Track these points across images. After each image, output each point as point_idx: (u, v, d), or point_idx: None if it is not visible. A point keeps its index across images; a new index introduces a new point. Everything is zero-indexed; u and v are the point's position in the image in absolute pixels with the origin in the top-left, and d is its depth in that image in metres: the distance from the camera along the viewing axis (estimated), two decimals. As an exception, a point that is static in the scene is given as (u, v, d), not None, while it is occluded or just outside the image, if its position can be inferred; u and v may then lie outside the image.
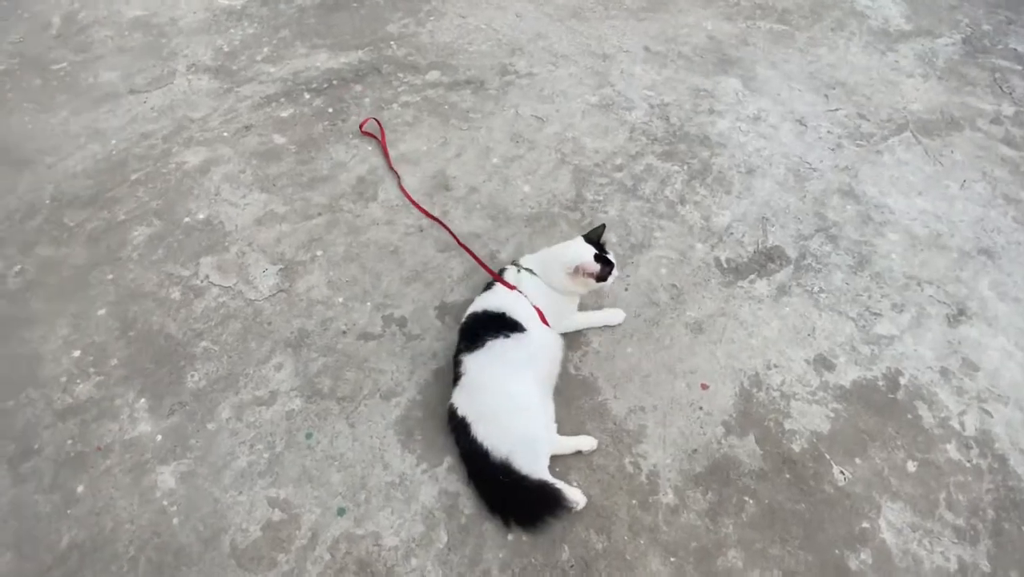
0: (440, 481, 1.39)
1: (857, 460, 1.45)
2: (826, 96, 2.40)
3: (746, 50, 2.61)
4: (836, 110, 2.35)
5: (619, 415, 1.50)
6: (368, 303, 1.70)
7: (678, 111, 2.31)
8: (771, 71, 2.51)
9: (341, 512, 1.35)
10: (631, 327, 1.67)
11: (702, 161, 2.13)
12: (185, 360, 1.58)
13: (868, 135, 2.26)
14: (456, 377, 1.42)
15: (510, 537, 1.31)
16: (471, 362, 1.40)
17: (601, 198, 2.00)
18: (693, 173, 2.09)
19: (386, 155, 2.06)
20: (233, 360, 1.58)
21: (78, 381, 1.56)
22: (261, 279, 1.75)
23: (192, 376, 1.56)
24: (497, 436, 1.32)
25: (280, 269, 1.77)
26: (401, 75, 2.42)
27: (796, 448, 1.46)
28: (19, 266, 1.78)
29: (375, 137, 2.12)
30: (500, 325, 1.42)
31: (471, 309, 1.52)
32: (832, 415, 1.52)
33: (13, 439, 1.44)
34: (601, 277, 1.48)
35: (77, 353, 1.60)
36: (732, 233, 1.91)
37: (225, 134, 2.17)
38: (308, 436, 1.45)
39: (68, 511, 1.36)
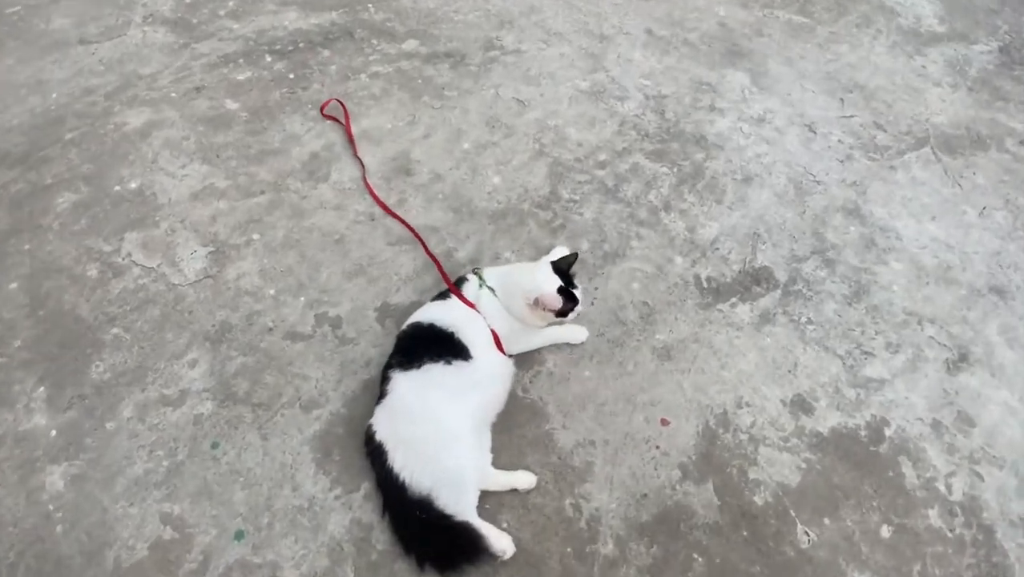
0: (354, 510, 1.24)
1: (826, 520, 1.29)
2: (842, 100, 2.17)
3: (759, 41, 2.37)
4: (851, 117, 2.12)
5: (565, 448, 1.34)
6: (302, 298, 1.54)
7: (675, 105, 2.10)
8: (784, 67, 2.27)
9: (239, 536, 1.21)
10: (592, 347, 1.50)
11: (695, 164, 1.93)
12: (93, 347, 1.43)
13: (883, 148, 2.04)
14: (381, 394, 1.26)
15: (423, 581, 1.16)
16: (401, 381, 1.24)
17: (578, 198, 1.80)
18: (683, 177, 1.89)
19: (351, 140, 1.85)
20: (144, 351, 1.43)
21: (-22, 361, 1.41)
22: (188, 262, 1.58)
23: (98, 366, 1.40)
24: (419, 469, 1.16)
25: (210, 252, 1.60)
26: (375, 42, 2.20)
27: (759, 501, 1.30)
28: (-72, 227, 1.62)
29: (338, 121, 1.91)
30: (445, 347, 1.26)
31: (416, 317, 1.35)
32: (804, 466, 1.35)
33: None
34: (562, 313, 1.34)
35: (-21, 330, 1.45)
36: (718, 248, 1.72)
37: (173, 95, 1.98)
38: (214, 446, 1.31)
39: (-49, 505, 1.23)
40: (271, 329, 1.48)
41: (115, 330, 1.46)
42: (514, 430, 1.35)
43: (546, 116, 2.01)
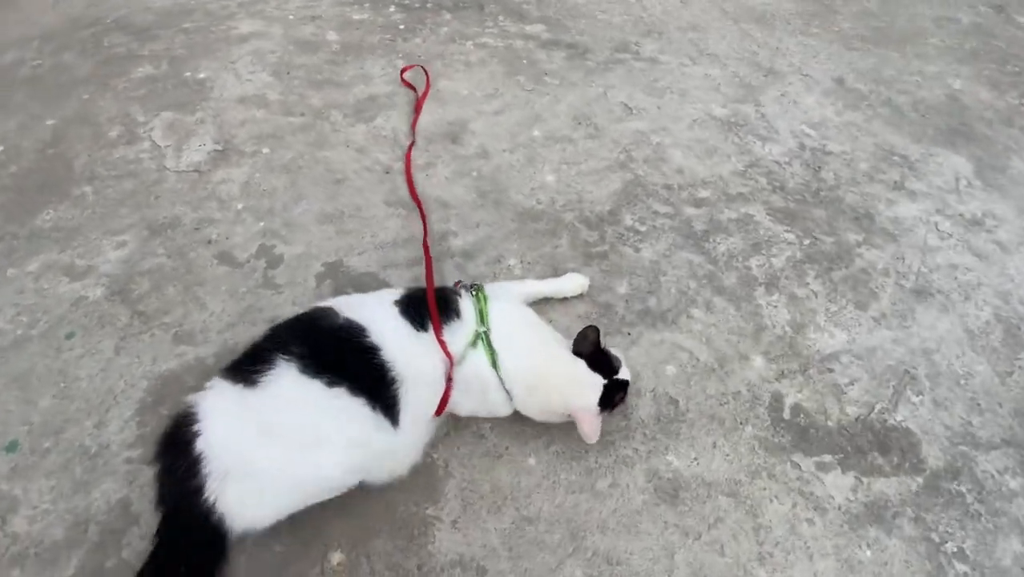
0: (132, 487, 0.89)
1: None
2: None
3: (1003, 131, 1.64)
4: None
5: (437, 558, 0.84)
6: (262, 223, 1.28)
7: (842, 167, 1.49)
8: (1041, 169, 1.52)
9: (12, 448, 0.93)
10: (559, 430, 0.97)
11: (841, 244, 1.30)
12: (58, 197, 1.33)
13: None
14: (252, 373, 0.84)
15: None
16: (279, 375, 0.82)
17: (643, 229, 1.30)
18: (815, 253, 1.27)
19: (417, 109, 1.57)
20: (92, 217, 1.29)
21: (-19, 176, 1.41)
22: (192, 152, 1.44)
23: (47, 215, 1.29)
24: (245, 502, 0.77)
25: (216, 150, 1.45)
26: (501, 18, 1.98)
27: None
28: (39, 61, 1.74)
29: (413, 88, 1.66)
30: (361, 377, 0.82)
31: (350, 301, 0.93)
32: None
33: None
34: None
35: (1, 148, 1.47)
36: (832, 369, 1.07)
37: (291, 17, 1.96)
38: (69, 336, 1.07)
39: None
40: (210, 242, 1.24)
41: (87, 188, 1.35)
42: (384, 492, 0.89)
43: (652, 130, 1.56)
